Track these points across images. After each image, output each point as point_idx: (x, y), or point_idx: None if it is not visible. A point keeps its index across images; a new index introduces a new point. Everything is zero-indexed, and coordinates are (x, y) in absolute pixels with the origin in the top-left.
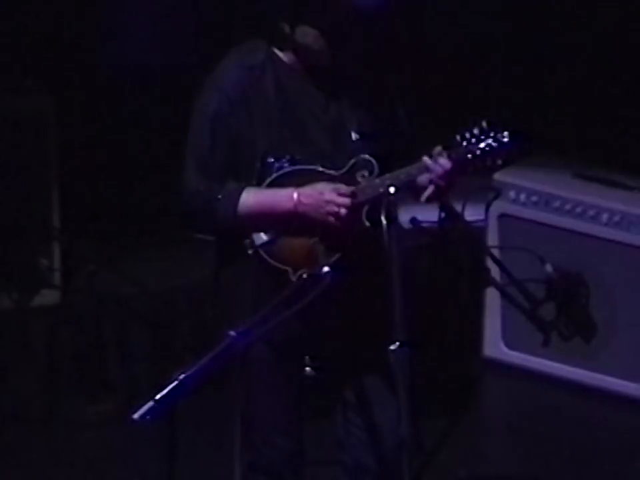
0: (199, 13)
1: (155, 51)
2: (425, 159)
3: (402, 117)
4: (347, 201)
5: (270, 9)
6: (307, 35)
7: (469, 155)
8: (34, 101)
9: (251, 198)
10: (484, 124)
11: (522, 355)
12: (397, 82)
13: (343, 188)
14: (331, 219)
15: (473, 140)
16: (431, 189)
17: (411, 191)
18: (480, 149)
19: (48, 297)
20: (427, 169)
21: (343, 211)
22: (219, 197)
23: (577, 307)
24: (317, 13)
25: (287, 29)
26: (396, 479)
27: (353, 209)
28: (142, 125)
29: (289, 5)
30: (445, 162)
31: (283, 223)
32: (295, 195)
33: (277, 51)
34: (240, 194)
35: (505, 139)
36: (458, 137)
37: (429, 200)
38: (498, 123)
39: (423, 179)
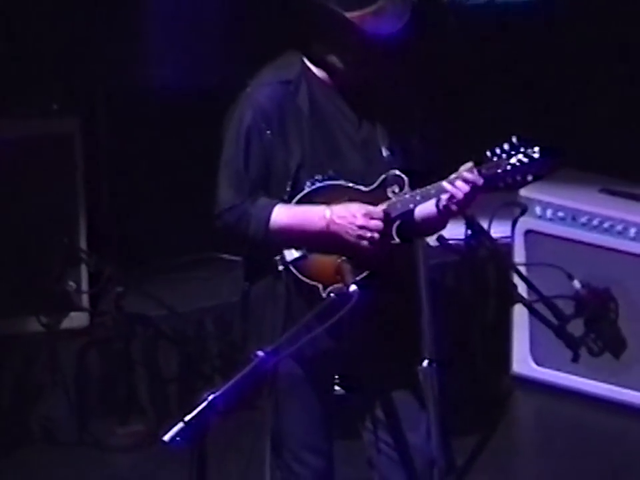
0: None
1: (185, 74)
2: (456, 174)
3: (426, 134)
4: (379, 225)
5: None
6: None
7: (499, 171)
8: (61, 125)
9: (283, 214)
10: (514, 139)
11: (551, 372)
12: (419, 101)
13: (376, 211)
14: (364, 243)
15: (504, 155)
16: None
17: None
18: (510, 164)
19: (76, 320)
20: (456, 185)
21: (376, 235)
22: (251, 211)
23: (606, 323)
24: (336, 38)
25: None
26: None
27: (384, 227)
28: (170, 146)
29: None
30: (475, 178)
31: (314, 239)
32: (328, 214)
33: (311, 66)
34: (272, 209)
35: (536, 155)
36: (488, 153)
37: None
38: (528, 139)
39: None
